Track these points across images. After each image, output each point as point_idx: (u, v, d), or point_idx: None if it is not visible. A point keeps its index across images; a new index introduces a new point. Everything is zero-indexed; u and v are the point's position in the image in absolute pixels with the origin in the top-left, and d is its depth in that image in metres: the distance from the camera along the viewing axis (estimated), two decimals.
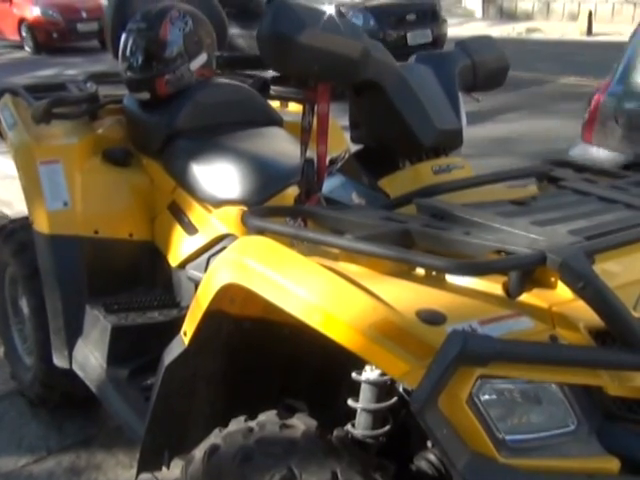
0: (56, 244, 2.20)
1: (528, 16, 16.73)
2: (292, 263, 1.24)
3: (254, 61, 2.51)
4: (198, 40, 2.27)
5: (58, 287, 2.19)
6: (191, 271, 2.10)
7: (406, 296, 1.15)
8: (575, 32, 14.43)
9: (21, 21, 13.44)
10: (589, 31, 14.28)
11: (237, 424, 1.35)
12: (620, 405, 1.14)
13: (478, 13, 17.23)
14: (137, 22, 2.27)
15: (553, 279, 1.15)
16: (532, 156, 5.44)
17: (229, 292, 1.37)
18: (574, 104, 7.67)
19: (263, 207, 1.73)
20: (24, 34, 13.36)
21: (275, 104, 2.59)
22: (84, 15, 13.04)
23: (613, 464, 1.08)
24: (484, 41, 1.87)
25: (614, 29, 13.52)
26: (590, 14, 14.56)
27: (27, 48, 13.56)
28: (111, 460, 2.35)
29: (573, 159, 1.76)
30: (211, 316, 1.43)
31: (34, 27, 13.13)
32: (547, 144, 6.09)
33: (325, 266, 1.22)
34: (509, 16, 16.61)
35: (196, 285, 1.92)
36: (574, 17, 15.45)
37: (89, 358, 2.14)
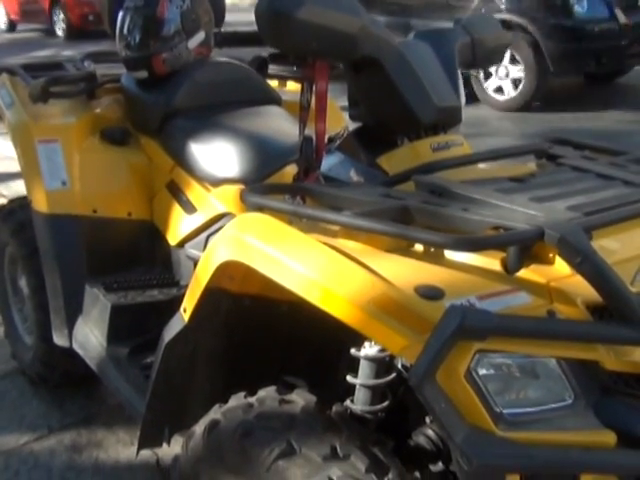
0: (55, 223, 2.20)
1: None
2: (291, 240, 1.25)
3: (252, 38, 2.51)
4: (196, 18, 2.26)
5: (57, 266, 2.20)
6: (190, 250, 2.10)
7: (404, 272, 1.15)
8: None
9: (53, 2, 12.42)
10: None
11: (237, 400, 1.36)
12: (617, 380, 1.15)
13: None
14: (134, 0, 2.25)
15: (551, 255, 1.16)
16: (530, 135, 5.44)
17: (228, 269, 1.38)
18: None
19: (262, 185, 1.74)
20: (55, 17, 12.28)
21: (274, 83, 2.59)
22: None
23: (610, 438, 1.09)
24: (483, 18, 1.86)
25: None
26: None
27: (59, 32, 12.70)
28: (112, 438, 2.36)
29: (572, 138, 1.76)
30: (210, 293, 1.43)
31: (67, 8, 11.95)
32: (545, 123, 6.09)
33: (324, 243, 1.22)
34: None
35: (195, 264, 1.92)
36: None
37: (89, 337, 2.15)
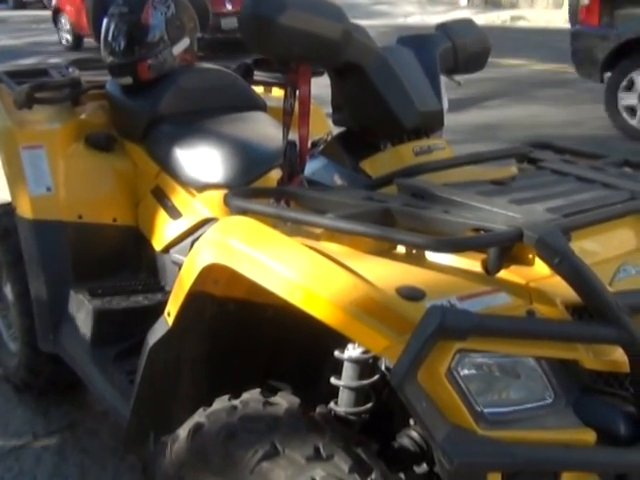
0: (40, 229, 2.20)
1: (513, 4, 16.78)
2: (274, 242, 1.26)
3: (236, 43, 2.51)
4: (180, 24, 2.27)
5: (42, 272, 2.19)
6: (175, 255, 2.11)
7: (386, 273, 1.16)
8: (560, 20, 14.47)
9: None
10: None
11: (221, 403, 1.36)
12: (596, 378, 1.17)
13: (463, 1, 17.26)
14: (119, 6, 2.26)
15: (530, 256, 1.17)
16: (515, 142, 5.47)
17: (212, 273, 1.38)
18: (557, 91, 7.74)
19: (246, 188, 1.74)
20: None
21: (259, 89, 2.60)
22: (229, 7, 9.74)
23: (589, 436, 1.10)
24: (465, 24, 1.88)
25: None
26: None
27: None
28: (97, 444, 2.36)
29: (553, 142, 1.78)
30: (194, 297, 1.44)
31: None
32: (531, 130, 6.13)
33: (307, 245, 1.23)
34: (494, 4, 16.65)
35: (180, 269, 1.93)
36: (559, 5, 15.50)
37: (74, 342, 2.14)
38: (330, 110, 1.72)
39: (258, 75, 2.69)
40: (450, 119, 1.71)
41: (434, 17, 10.02)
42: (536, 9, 16.19)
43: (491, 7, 15.97)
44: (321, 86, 1.62)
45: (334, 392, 1.39)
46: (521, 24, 14.70)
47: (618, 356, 1.12)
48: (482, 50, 1.88)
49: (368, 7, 16.78)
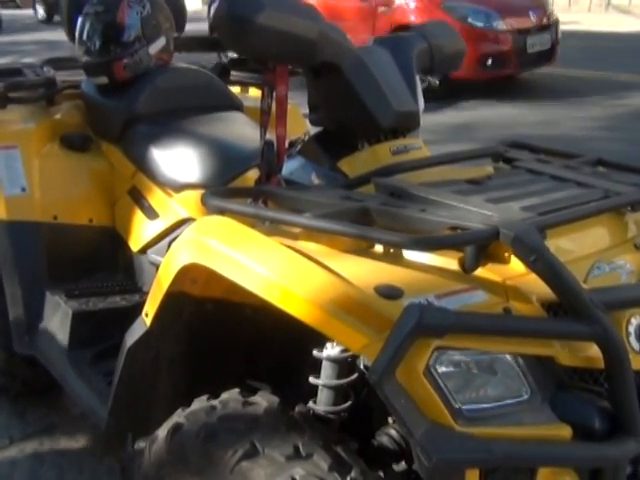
0: (14, 230, 2.17)
1: None
2: (252, 241, 1.26)
3: (212, 43, 2.51)
4: (156, 24, 2.26)
5: (17, 274, 2.17)
6: (152, 255, 2.10)
7: (364, 272, 1.17)
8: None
9: None
10: None
11: (200, 403, 1.36)
12: (572, 375, 1.18)
13: None
14: (94, 5, 2.25)
15: (507, 254, 1.19)
16: (491, 142, 5.51)
17: (190, 273, 1.38)
18: (531, 90, 7.81)
19: (223, 188, 1.74)
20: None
21: (235, 89, 2.59)
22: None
23: (565, 431, 1.12)
24: (441, 25, 1.89)
25: (571, 18, 13.73)
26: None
27: None
28: (75, 446, 2.34)
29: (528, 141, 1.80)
30: (172, 297, 1.43)
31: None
32: (507, 129, 6.18)
33: (285, 245, 1.24)
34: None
35: (157, 269, 1.92)
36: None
37: (51, 344, 2.12)
38: (307, 111, 1.72)
39: (235, 75, 2.69)
40: (426, 119, 1.72)
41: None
42: None
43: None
44: (300, 86, 1.63)
45: (313, 391, 1.39)
46: None
47: (593, 352, 1.14)
48: (457, 51, 1.89)
49: None
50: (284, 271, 1.17)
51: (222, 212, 1.35)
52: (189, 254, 1.33)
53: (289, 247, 1.22)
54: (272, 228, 1.36)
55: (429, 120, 1.71)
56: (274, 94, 1.61)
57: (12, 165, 2.19)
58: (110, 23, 2.20)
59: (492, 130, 6.26)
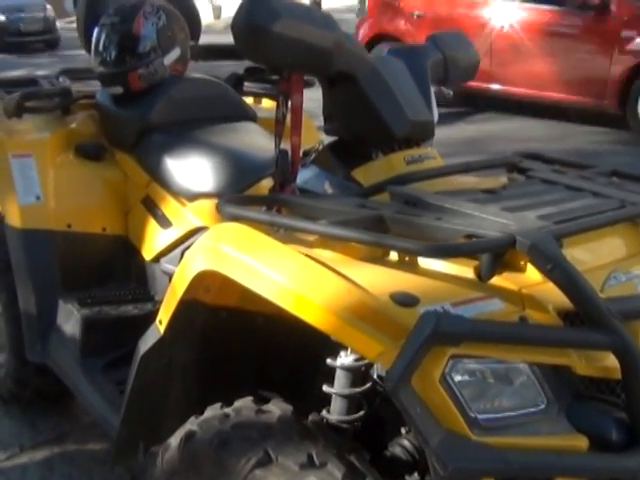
0: (29, 238, 2.18)
1: None
2: (267, 249, 1.26)
3: (229, 51, 2.53)
4: (171, 35, 2.28)
5: (31, 282, 2.18)
6: (165, 264, 2.10)
7: (380, 280, 1.17)
8: None
9: None
10: None
11: (213, 411, 1.35)
12: (588, 385, 1.17)
13: None
14: (110, 16, 2.27)
15: (523, 262, 1.18)
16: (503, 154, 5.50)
17: (204, 280, 1.38)
18: (542, 105, 7.80)
19: (238, 196, 1.75)
20: None
21: (249, 100, 2.61)
22: None
23: (582, 442, 1.10)
24: (456, 36, 1.90)
25: None
26: None
27: None
28: (85, 455, 2.33)
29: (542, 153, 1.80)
30: (186, 305, 1.43)
31: None
32: (517, 144, 6.17)
33: (300, 252, 1.23)
34: None
35: (170, 278, 1.91)
36: None
37: (63, 352, 2.13)
38: (320, 123, 1.72)
39: (248, 86, 2.70)
40: (437, 132, 1.72)
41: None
42: None
43: None
44: (311, 99, 1.63)
45: (326, 400, 1.39)
46: None
47: (610, 362, 1.13)
48: (472, 62, 1.90)
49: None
50: (299, 278, 1.17)
51: (237, 219, 1.36)
52: (204, 261, 1.33)
53: (304, 255, 1.22)
54: (286, 236, 1.36)
55: (440, 133, 1.71)
56: (289, 104, 1.61)
57: (27, 174, 2.20)
58: (126, 34, 2.22)
59: (504, 144, 6.26)
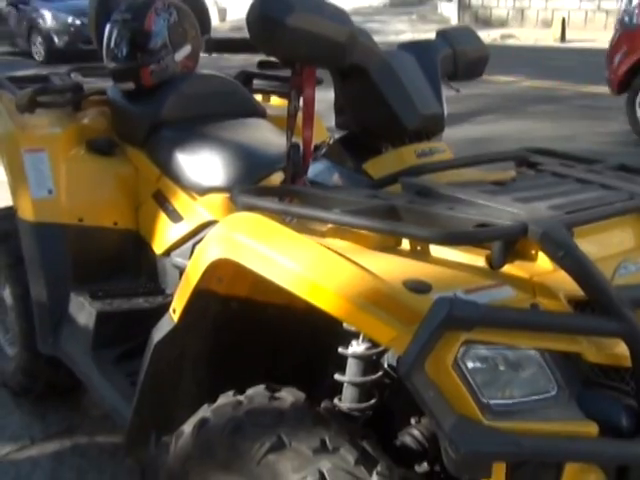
0: (41, 232, 2.21)
1: (502, 23, 16.97)
2: (281, 237, 1.27)
3: (243, 44, 2.55)
4: (182, 31, 2.30)
5: (43, 275, 2.20)
6: (176, 258, 2.12)
7: (393, 268, 1.18)
8: (549, 38, 14.64)
9: None
10: (562, 38, 14.52)
11: (226, 398, 1.37)
12: (598, 372, 1.19)
13: (454, 19, 17.43)
14: (122, 13, 2.29)
15: (534, 251, 1.20)
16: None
17: (218, 270, 1.40)
18: (548, 106, 7.82)
19: (252, 187, 1.76)
20: None
21: (258, 97, 2.62)
22: None
23: (592, 428, 1.12)
24: (465, 31, 1.91)
25: (587, 36, 13.76)
26: (563, 21, 14.82)
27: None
28: (95, 447, 2.35)
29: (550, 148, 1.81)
30: (199, 295, 1.45)
31: None
32: (522, 144, 6.17)
33: (314, 241, 1.25)
34: (484, 23, 16.82)
35: (181, 272, 1.94)
36: (547, 24, 15.71)
37: (75, 344, 2.15)
38: (328, 124, 1.73)
39: (257, 84, 2.72)
40: (443, 133, 1.74)
41: (425, 35, 10.09)
42: (525, 28, 16.37)
43: (481, 25, 16.11)
44: (319, 100, 1.65)
45: (337, 389, 1.40)
46: (511, 42, 14.85)
47: (620, 350, 1.14)
48: (481, 57, 1.91)
49: (360, 24, 16.84)
50: (313, 265, 1.19)
51: (251, 209, 1.37)
52: (219, 249, 1.35)
53: (318, 243, 1.24)
54: (299, 225, 1.37)
55: (446, 133, 1.73)
56: (301, 97, 1.63)
57: (39, 168, 2.23)
58: (137, 30, 2.24)
59: (510, 144, 6.25)
